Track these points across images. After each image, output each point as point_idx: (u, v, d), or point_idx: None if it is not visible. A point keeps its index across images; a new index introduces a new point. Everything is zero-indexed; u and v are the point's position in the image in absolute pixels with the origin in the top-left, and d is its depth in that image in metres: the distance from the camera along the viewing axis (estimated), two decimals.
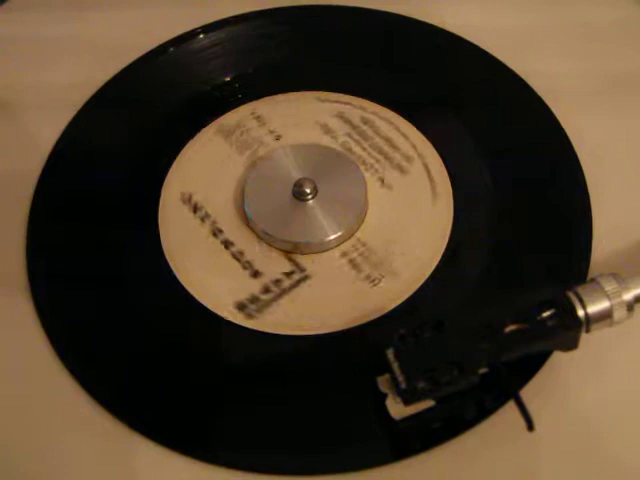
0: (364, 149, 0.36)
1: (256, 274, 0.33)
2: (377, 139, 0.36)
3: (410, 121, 0.37)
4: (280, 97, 0.38)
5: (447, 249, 0.33)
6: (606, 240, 0.33)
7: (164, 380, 0.31)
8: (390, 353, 0.27)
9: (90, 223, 0.35)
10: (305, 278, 0.33)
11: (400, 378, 0.27)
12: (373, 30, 0.41)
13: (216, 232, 0.34)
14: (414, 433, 0.28)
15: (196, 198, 0.35)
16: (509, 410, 0.27)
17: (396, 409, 0.28)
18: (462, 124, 0.37)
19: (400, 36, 0.40)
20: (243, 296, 0.32)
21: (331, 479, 0.28)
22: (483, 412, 0.29)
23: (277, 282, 0.32)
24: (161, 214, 0.35)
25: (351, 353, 0.31)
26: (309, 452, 0.29)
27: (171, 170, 0.36)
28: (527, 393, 0.28)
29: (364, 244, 0.33)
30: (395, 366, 0.27)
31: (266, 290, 0.32)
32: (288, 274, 0.33)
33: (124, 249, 0.34)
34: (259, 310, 0.32)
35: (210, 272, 0.33)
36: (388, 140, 0.36)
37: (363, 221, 0.34)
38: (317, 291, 0.32)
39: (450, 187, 0.35)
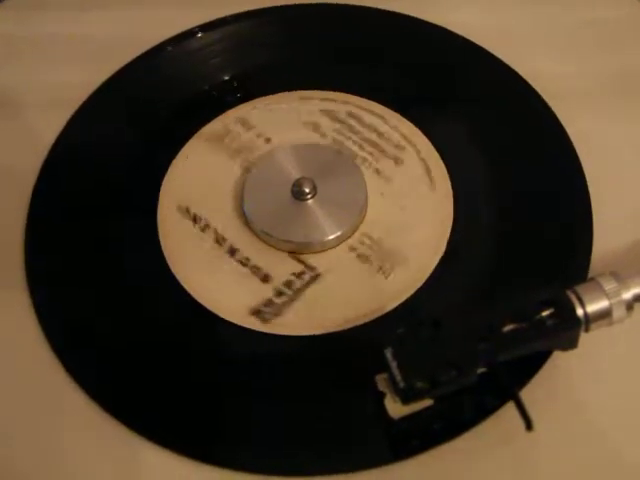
0: (355, 142, 0.36)
1: (266, 278, 0.33)
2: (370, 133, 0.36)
3: (412, 121, 0.37)
4: (264, 100, 0.38)
5: (446, 250, 0.33)
6: (606, 239, 0.33)
7: (164, 381, 0.31)
8: (388, 352, 0.27)
9: (89, 222, 0.35)
10: (316, 277, 0.32)
11: (398, 377, 0.27)
12: (373, 29, 0.41)
13: (220, 240, 0.34)
14: (412, 432, 0.28)
15: (194, 210, 0.35)
16: (509, 410, 0.27)
17: (394, 408, 0.28)
18: (462, 123, 0.37)
19: (400, 34, 0.40)
20: (257, 301, 0.32)
21: None
22: (483, 412, 0.29)
23: (288, 284, 0.32)
24: (160, 218, 0.35)
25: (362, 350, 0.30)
26: (308, 453, 0.29)
27: (164, 182, 0.36)
28: (527, 393, 0.28)
29: (370, 237, 0.33)
30: (393, 365, 0.27)
31: (279, 293, 0.32)
32: (298, 275, 0.33)
33: (123, 248, 0.34)
34: (276, 313, 0.32)
35: (218, 280, 0.33)
36: (376, 131, 0.36)
37: (364, 217, 0.34)
38: (331, 288, 0.32)
39: (448, 178, 0.35)
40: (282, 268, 0.33)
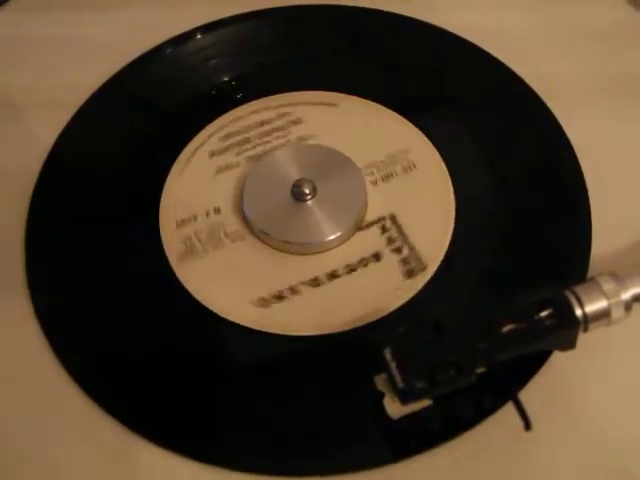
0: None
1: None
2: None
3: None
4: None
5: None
6: (605, 240, 0.33)
7: (164, 381, 0.31)
8: (387, 353, 0.27)
9: (89, 223, 0.35)
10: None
11: (397, 377, 0.27)
12: (372, 30, 0.41)
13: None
14: (411, 432, 0.28)
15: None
16: (508, 411, 0.27)
17: (393, 408, 0.28)
18: (461, 124, 0.37)
19: (399, 35, 0.40)
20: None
21: None
22: (482, 413, 0.29)
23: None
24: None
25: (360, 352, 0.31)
26: (307, 453, 0.29)
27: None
28: (526, 394, 0.28)
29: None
30: (392, 366, 0.27)
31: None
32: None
33: (124, 250, 0.34)
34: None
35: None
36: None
37: (364, 217, 0.34)
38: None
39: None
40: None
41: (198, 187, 0.35)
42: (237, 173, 0.36)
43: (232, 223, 0.34)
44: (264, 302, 0.32)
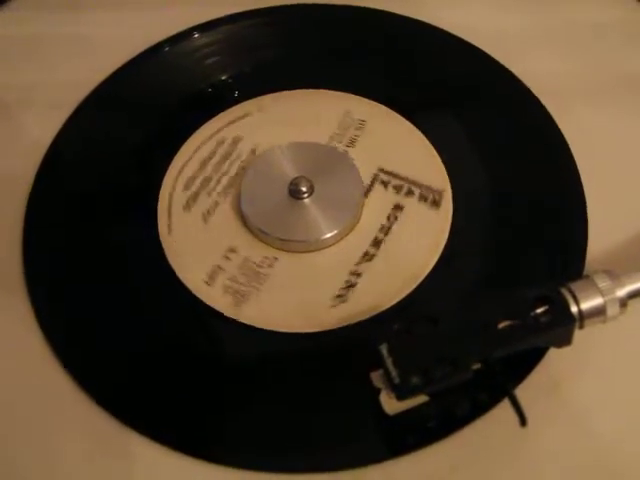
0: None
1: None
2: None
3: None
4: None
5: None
6: (602, 237, 0.33)
7: (163, 379, 0.31)
8: (384, 348, 0.27)
9: (86, 223, 0.35)
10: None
11: (393, 373, 0.27)
12: (372, 30, 0.41)
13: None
14: (408, 428, 0.28)
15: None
16: (504, 407, 0.27)
17: (390, 404, 0.28)
18: (459, 124, 0.37)
19: (397, 35, 0.40)
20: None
21: (325, 477, 0.28)
22: (478, 409, 0.29)
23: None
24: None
25: (340, 351, 0.31)
26: (302, 450, 0.29)
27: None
28: (523, 390, 0.28)
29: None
30: (389, 361, 0.27)
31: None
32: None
33: (121, 249, 0.34)
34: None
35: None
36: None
37: (361, 216, 0.34)
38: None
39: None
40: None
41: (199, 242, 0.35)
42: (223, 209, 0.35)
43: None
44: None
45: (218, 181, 0.35)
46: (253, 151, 0.36)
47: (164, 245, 0.34)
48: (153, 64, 0.40)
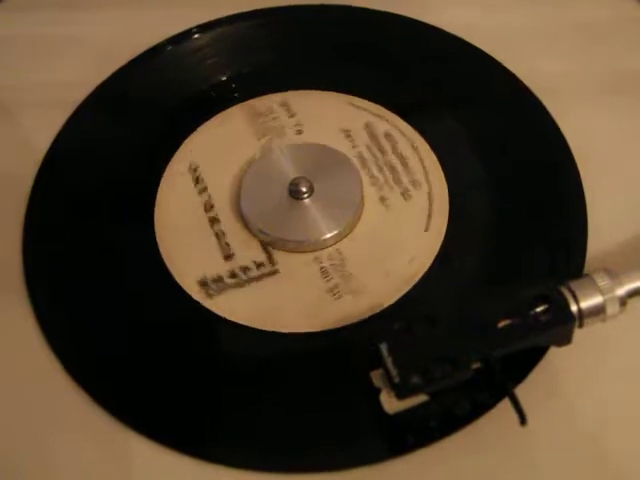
0: (376, 163, 0.36)
1: (229, 257, 0.33)
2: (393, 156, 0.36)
3: (408, 122, 0.37)
4: (311, 93, 0.38)
5: (441, 247, 0.33)
6: (601, 236, 0.33)
7: (163, 379, 0.31)
8: (384, 348, 0.27)
9: (86, 223, 0.35)
10: (273, 273, 0.33)
11: (393, 373, 0.27)
12: (371, 31, 0.41)
13: (207, 207, 0.34)
14: (408, 428, 0.28)
15: (200, 170, 0.35)
16: (505, 407, 0.27)
17: (390, 404, 0.28)
18: (457, 123, 0.37)
19: (396, 36, 0.41)
20: (209, 274, 0.32)
21: (326, 477, 0.28)
22: (479, 409, 0.29)
23: (245, 270, 0.33)
24: (160, 197, 0.35)
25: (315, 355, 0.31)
26: (301, 449, 0.29)
27: (187, 139, 0.36)
28: (523, 390, 0.28)
29: (341, 254, 0.33)
30: (389, 361, 0.27)
31: (232, 275, 0.32)
32: (258, 265, 0.33)
33: (120, 249, 0.34)
34: (219, 291, 0.32)
35: (188, 246, 0.33)
36: (402, 159, 0.36)
37: (360, 216, 0.34)
38: (280, 288, 0.32)
39: (444, 178, 0.35)
40: (249, 254, 0.33)
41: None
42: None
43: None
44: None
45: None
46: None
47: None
48: (153, 65, 0.40)
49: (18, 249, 0.34)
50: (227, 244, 0.33)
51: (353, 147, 0.36)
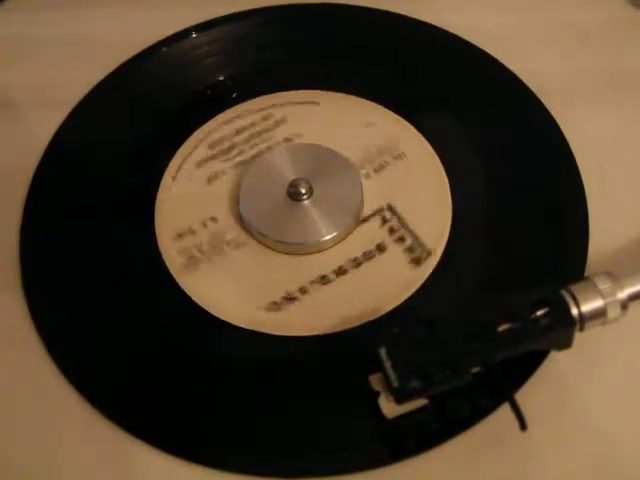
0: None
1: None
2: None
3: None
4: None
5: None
6: (602, 239, 0.33)
7: (162, 383, 0.30)
8: (382, 352, 0.27)
9: (85, 221, 0.35)
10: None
11: (392, 377, 0.27)
12: (371, 30, 0.41)
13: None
14: (407, 432, 0.28)
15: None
16: (504, 412, 0.27)
17: (389, 408, 0.28)
18: (459, 123, 0.37)
19: (397, 35, 0.40)
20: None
21: None
22: (478, 413, 0.28)
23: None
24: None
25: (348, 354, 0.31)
26: (301, 455, 0.29)
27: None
28: (523, 394, 0.28)
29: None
30: (387, 365, 0.27)
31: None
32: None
33: (119, 247, 0.34)
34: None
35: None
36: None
37: (360, 217, 0.34)
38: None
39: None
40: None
41: (191, 199, 0.35)
42: (227, 181, 0.35)
43: (231, 230, 0.34)
44: (274, 305, 0.32)
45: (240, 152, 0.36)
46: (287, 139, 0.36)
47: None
48: (152, 64, 0.40)
49: (15, 248, 0.34)
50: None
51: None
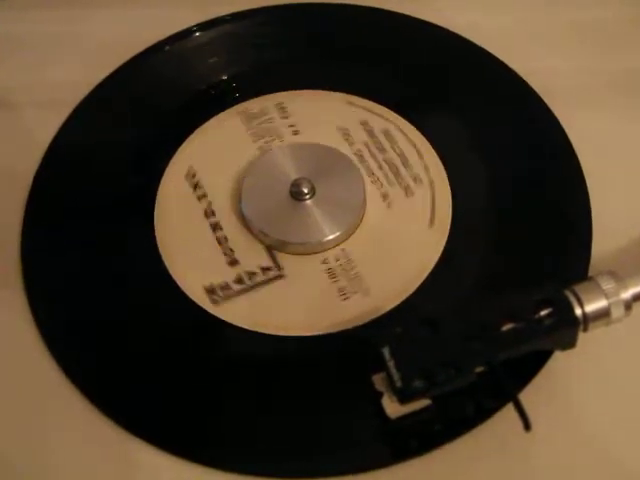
0: (376, 161, 0.36)
1: (233, 263, 0.33)
2: (392, 153, 0.36)
3: (411, 122, 0.37)
4: (308, 93, 0.38)
5: (444, 250, 0.33)
6: (606, 239, 0.33)
7: (163, 383, 0.30)
8: (386, 351, 0.27)
9: (85, 221, 0.35)
10: (279, 277, 0.32)
11: (396, 376, 0.26)
12: (372, 29, 0.41)
13: (208, 213, 0.34)
14: (410, 432, 0.28)
15: (199, 176, 0.35)
16: (508, 412, 0.27)
17: (392, 408, 0.28)
18: (459, 123, 0.37)
19: (398, 35, 0.40)
20: (215, 281, 0.32)
21: None
22: (482, 414, 0.28)
23: (251, 275, 0.32)
24: (159, 198, 0.35)
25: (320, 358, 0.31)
26: (302, 455, 0.29)
27: (184, 143, 0.36)
28: (527, 394, 0.28)
29: (347, 256, 0.33)
30: (391, 364, 0.27)
31: (239, 280, 0.32)
32: (264, 269, 0.33)
33: (119, 248, 0.34)
34: (226, 298, 0.32)
35: (191, 253, 0.33)
36: (402, 156, 0.36)
37: (362, 217, 0.34)
38: (285, 292, 0.32)
39: (446, 179, 0.35)
40: (254, 259, 0.33)
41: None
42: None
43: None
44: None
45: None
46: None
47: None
48: (152, 64, 0.40)
49: (16, 248, 0.34)
50: (231, 250, 0.33)
51: (351, 145, 0.36)
